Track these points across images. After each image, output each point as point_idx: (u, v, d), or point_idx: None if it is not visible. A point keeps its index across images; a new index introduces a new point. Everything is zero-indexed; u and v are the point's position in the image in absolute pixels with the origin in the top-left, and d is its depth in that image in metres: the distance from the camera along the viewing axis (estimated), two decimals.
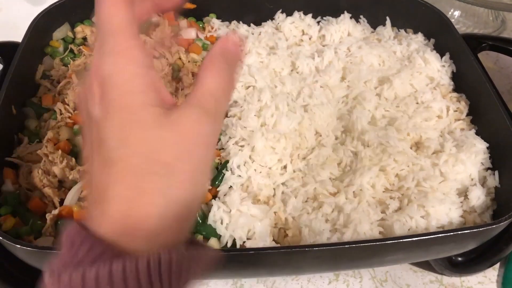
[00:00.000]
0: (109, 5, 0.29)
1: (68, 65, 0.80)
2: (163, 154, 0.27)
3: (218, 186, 0.66)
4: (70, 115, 0.72)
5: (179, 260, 0.26)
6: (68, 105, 0.73)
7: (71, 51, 0.83)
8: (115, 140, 0.27)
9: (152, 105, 0.28)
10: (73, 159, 0.66)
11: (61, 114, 0.72)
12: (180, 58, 0.81)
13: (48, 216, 0.58)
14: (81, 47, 0.83)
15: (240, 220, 0.61)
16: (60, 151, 0.65)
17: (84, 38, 0.85)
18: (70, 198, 0.61)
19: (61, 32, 0.83)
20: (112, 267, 0.25)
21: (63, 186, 0.64)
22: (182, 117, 0.28)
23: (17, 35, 0.75)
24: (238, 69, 0.31)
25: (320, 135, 0.72)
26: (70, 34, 0.84)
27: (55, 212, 0.59)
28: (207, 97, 0.29)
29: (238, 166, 0.68)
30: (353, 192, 0.64)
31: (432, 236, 0.54)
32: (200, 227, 0.62)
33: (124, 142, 0.27)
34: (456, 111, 0.76)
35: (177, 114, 0.28)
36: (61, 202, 0.62)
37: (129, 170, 0.27)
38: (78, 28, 0.84)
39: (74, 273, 0.25)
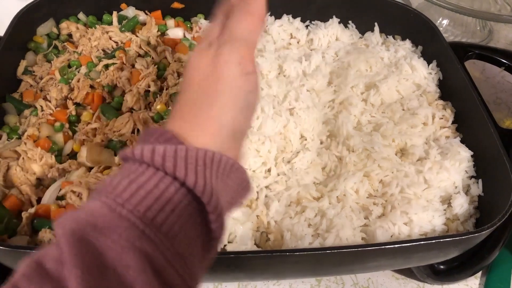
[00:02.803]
0: None
1: (52, 62, 0.78)
2: (231, 92, 0.35)
3: None
4: (51, 112, 0.70)
5: (227, 162, 0.34)
6: (49, 101, 0.72)
7: (55, 47, 0.82)
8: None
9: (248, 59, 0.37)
10: (53, 157, 0.64)
11: (42, 110, 0.70)
12: (166, 58, 0.80)
13: (24, 215, 0.57)
14: (65, 43, 0.82)
15: None
16: (39, 148, 0.64)
17: (69, 35, 0.84)
18: (48, 196, 0.60)
19: (46, 27, 0.81)
20: (177, 147, 0.32)
21: (41, 184, 0.63)
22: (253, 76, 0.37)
23: (1, 29, 0.74)
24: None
25: (305, 139, 0.72)
26: (54, 30, 0.83)
27: (32, 210, 0.57)
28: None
29: None
30: (337, 197, 0.63)
31: (414, 243, 0.54)
32: None
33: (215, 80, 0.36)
34: (441, 118, 0.76)
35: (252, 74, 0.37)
36: (39, 201, 0.60)
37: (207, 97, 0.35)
38: (63, 24, 0.83)
39: (146, 146, 0.32)
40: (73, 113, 0.71)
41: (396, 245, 0.53)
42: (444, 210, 0.64)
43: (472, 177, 0.68)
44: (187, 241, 0.31)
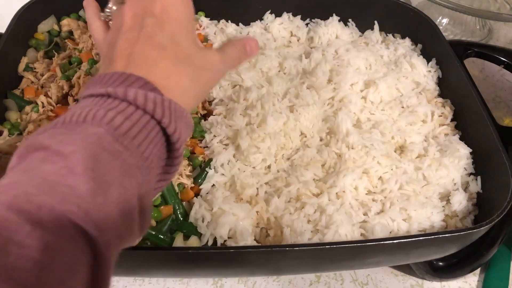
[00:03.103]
0: None
1: (53, 58, 0.79)
2: (196, 60, 0.43)
3: (201, 184, 0.66)
4: (52, 108, 0.70)
5: (188, 117, 0.40)
6: (50, 98, 0.72)
7: (56, 44, 0.82)
8: (169, 37, 0.42)
9: (195, 34, 0.46)
10: None
11: (43, 107, 0.71)
12: None
13: None
14: (66, 40, 0.82)
15: (222, 219, 0.60)
16: None
17: (70, 32, 0.84)
18: None
19: (47, 24, 0.82)
20: (163, 98, 0.37)
21: None
22: (209, 51, 0.46)
23: (2, 26, 0.74)
24: (242, 59, 0.49)
25: (305, 136, 0.72)
26: (55, 27, 0.83)
27: None
28: (225, 54, 0.46)
29: (222, 165, 0.67)
30: (336, 193, 0.63)
31: (413, 239, 0.54)
32: (181, 224, 0.61)
33: (175, 41, 0.42)
34: (440, 116, 0.76)
35: (207, 49, 0.48)
36: None
37: (175, 56, 0.41)
38: (64, 22, 0.83)
39: (139, 91, 0.36)
40: None
41: (394, 241, 0.53)
42: (443, 206, 0.65)
43: (471, 174, 0.69)
44: (156, 176, 0.38)
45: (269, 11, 0.91)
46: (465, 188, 0.67)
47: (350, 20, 0.92)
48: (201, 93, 0.45)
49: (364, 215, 0.63)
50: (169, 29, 0.42)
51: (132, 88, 0.36)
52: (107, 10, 0.48)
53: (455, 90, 0.78)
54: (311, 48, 0.88)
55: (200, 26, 0.89)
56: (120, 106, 0.35)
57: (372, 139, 0.69)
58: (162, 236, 0.58)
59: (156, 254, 0.52)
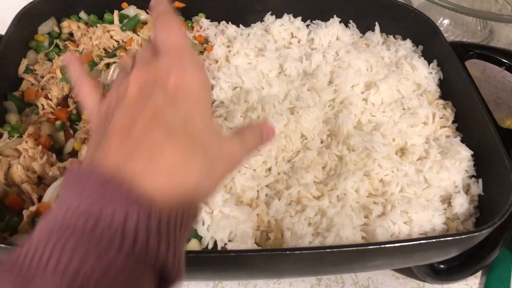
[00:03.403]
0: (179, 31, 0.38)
1: (53, 60, 0.78)
2: (211, 148, 0.35)
3: None
4: (52, 110, 0.70)
5: (190, 217, 0.33)
6: (51, 100, 0.72)
7: (57, 46, 0.82)
8: (181, 118, 0.34)
9: (212, 117, 0.39)
10: (54, 155, 0.64)
11: (43, 109, 0.71)
12: None
13: (25, 213, 0.57)
14: (66, 42, 0.82)
15: (222, 222, 0.60)
16: (40, 147, 0.64)
17: (71, 34, 0.84)
18: (49, 195, 0.60)
19: (47, 26, 0.82)
20: (152, 211, 0.30)
21: (42, 182, 0.63)
22: (227, 139, 0.39)
23: (2, 28, 0.74)
24: (259, 146, 0.43)
25: (306, 138, 0.72)
26: (56, 28, 0.83)
27: (33, 209, 0.57)
28: (244, 142, 0.40)
29: None
30: (337, 196, 0.63)
31: (414, 243, 0.54)
32: None
33: (189, 124, 0.34)
34: (442, 118, 0.76)
35: (227, 136, 0.39)
36: (40, 199, 0.60)
37: (185, 142, 0.33)
38: (65, 23, 0.83)
39: (120, 208, 0.29)
40: (74, 111, 0.71)
41: (396, 244, 0.53)
42: (444, 209, 0.64)
43: (472, 176, 0.68)
44: None
45: (269, 12, 0.91)
46: (467, 190, 0.67)
47: (351, 21, 0.92)
48: (214, 187, 0.37)
49: (365, 218, 0.62)
50: (182, 109, 0.34)
51: (111, 204, 0.29)
52: (111, 75, 0.42)
53: (456, 91, 0.77)
54: (312, 49, 0.88)
55: (201, 28, 0.88)
56: (92, 241, 0.28)
57: (373, 141, 0.69)
58: None
59: None
